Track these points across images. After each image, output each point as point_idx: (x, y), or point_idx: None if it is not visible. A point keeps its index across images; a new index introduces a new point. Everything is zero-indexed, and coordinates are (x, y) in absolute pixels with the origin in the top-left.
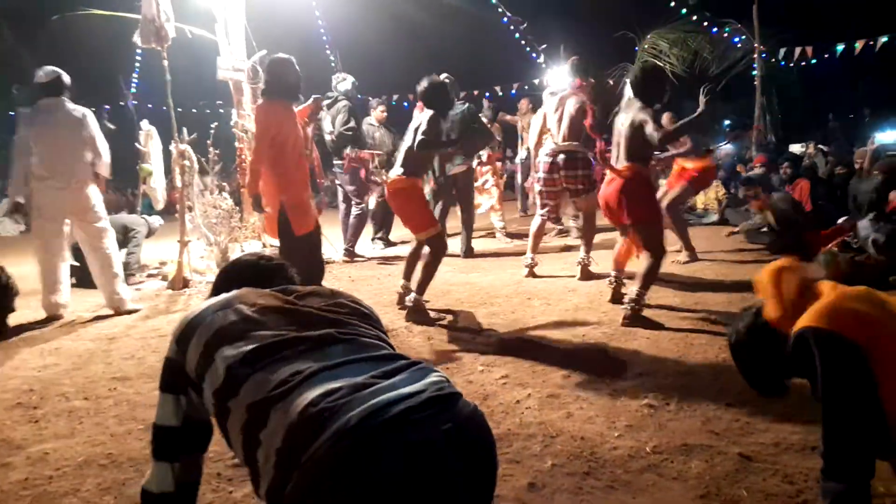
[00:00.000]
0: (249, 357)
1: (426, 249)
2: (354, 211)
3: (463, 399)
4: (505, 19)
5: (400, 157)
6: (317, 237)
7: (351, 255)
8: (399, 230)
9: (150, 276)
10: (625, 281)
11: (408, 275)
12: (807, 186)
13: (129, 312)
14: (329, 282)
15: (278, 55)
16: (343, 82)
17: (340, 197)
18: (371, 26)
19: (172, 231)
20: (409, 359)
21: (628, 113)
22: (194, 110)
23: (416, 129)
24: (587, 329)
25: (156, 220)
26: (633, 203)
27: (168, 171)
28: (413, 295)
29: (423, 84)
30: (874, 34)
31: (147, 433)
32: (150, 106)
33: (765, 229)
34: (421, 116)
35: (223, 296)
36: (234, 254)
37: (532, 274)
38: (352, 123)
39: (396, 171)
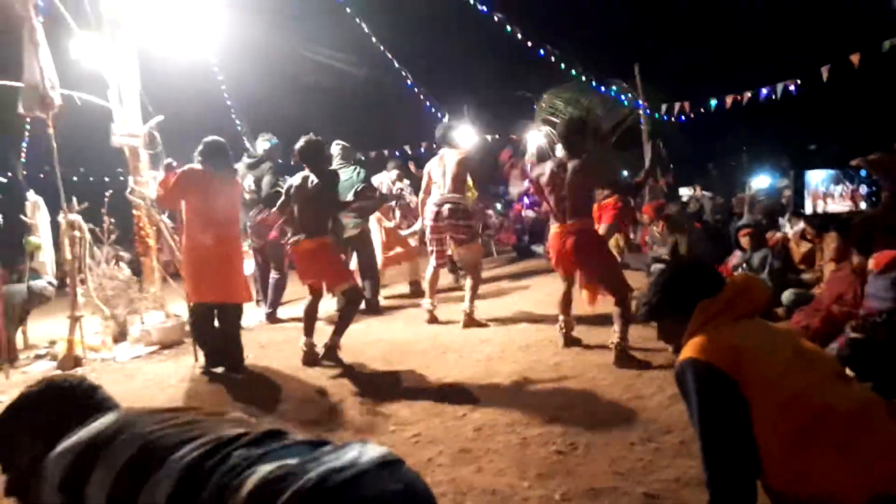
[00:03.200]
0: (192, 463)
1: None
2: (274, 275)
3: (406, 466)
4: (409, 82)
5: (299, 221)
6: None
7: (274, 318)
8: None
9: (37, 356)
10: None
11: (309, 331)
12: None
13: None
14: None
15: (215, 138)
16: (265, 143)
17: (254, 261)
18: (277, 90)
19: (64, 306)
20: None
21: (568, 169)
22: (91, 178)
23: (314, 192)
24: (499, 379)
25: (42, 283)
26: (590, 259)
27: (57, 245)
28: (330, 338)
29: (302, 143)
30: (741, 90)
31: None
32: (41, 175)
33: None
34: (312, 178)
35: (104, 422)
36: (134, 326)
37: (434, 319)
38: (278, 186)
39: (299, 236)
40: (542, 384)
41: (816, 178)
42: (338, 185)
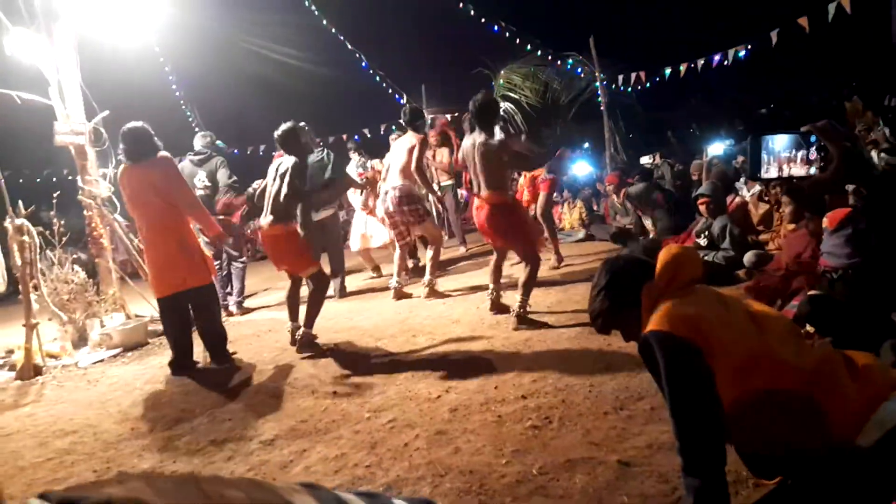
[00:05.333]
0: None
1: (306, 287)
2: (237, 265)
3: None
4: (364, 64)
5: (268, 204)
6: None
7: (243, 308)
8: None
9: None
10: (502, 292)
11: (293, 315)
12: (660, 197)
13: None
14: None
15: (132, 124)
16: (214, 139)
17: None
18: (227, 77)
19: (19, 315)
20: None
21: (479, 145)
22: (38, 180)
23: (282, 176)
24: (470, 358)
25: None
26: (502, 228)
27: (6, 251)
28: (302, 329)
29: (280, 130)
30: (694, 57)
31: None
32: None
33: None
34: (286, 163)
35: None
36: (94, 330)
37: (401, 296)
38: (234, 176)
39: (267, 218)
40: (514, 360)
41: (780, 143)
42: (305, 174)
